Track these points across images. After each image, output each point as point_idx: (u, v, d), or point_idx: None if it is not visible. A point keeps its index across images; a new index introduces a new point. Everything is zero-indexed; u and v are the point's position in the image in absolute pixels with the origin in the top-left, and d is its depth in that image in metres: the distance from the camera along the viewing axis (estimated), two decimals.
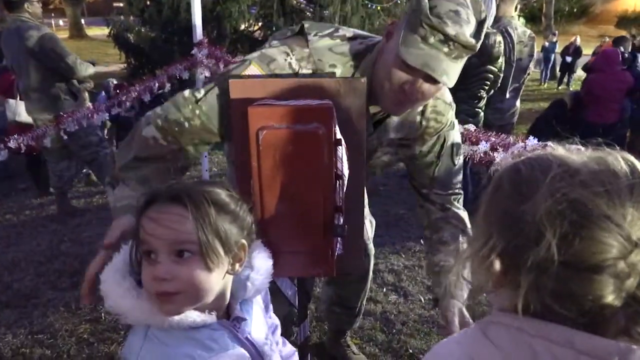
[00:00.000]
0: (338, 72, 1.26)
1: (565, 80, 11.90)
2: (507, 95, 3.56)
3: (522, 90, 3.80)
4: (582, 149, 0.63)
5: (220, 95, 1.24)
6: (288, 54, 1.25)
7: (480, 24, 1.11)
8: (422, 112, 1.35)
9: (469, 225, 1.39)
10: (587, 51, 12.53)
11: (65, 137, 2.90)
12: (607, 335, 0.55)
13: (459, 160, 1.44)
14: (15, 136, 2.57)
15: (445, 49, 1.06)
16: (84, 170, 4.71)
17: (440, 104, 1.36)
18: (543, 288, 0.55)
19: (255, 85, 1.23)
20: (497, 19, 3.43)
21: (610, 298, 0.53)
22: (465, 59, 1.13)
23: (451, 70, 1.10)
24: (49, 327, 2.52)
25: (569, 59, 11.54)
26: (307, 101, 1.17)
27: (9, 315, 2.63)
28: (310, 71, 1.25)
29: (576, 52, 11.64)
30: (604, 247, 0.52)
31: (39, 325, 2.54)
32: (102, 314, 2.61)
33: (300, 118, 1.12)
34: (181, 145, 1.25)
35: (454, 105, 1.42)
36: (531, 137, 1.69)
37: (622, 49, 5.11)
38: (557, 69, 12.34)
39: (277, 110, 1.13)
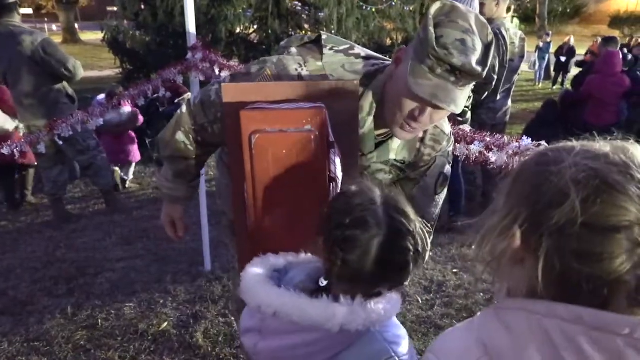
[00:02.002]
0: None
1: (559, 80, 11.94)
2: (499, 96, 3.59)
3: (514, 91, 3.83)
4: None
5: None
6: (301, 65, 1.27)
7: (487, 47, 1.12)
8: (422, 139, 1.37)
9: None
10: (581, 51, 12.58)
11: (61, 142, 2.88)
12: (618, 310, 0.57)
13: (441, 194, 1.45)
14: (9, 142, 2.54)
15: (452, 79, 1.09)
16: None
17: (440, 133, 1.39)
18: (564, 248, 0.58)
19: (247, 89, 1.23)
20: (490, 21, 3.44)
21: (622, 258, 0.56)
22: (472, 85, 1.16)
23: (459, 98, 1.12)
24: (45, 334, 2.51)
25: (563, 59, 11.59)
26: (299, 104, 1.17)
27: (4, 322, 2.61)
28: None
29: (570, 52, 11.68)
30: (622, 211, 0.56)
31: (35, 332, 2.53)
32: (99, 320, 2.60)
33: (293, 121, 1.12)
34: (208, 145, 1.46)
35: (452, 138, 1.45)
36: (525, 137, 1.69)
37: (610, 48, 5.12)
38: (552, 69, 12.38)
39: (269, 114, 1.13)
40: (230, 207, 1.48)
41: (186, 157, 1.45)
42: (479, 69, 1.08)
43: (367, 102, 1.26)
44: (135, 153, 4.85)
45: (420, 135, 1.35)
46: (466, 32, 1.09)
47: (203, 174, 2.98)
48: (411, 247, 0.91)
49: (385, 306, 0.92)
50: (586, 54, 10.74)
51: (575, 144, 0.64)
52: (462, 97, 1.13)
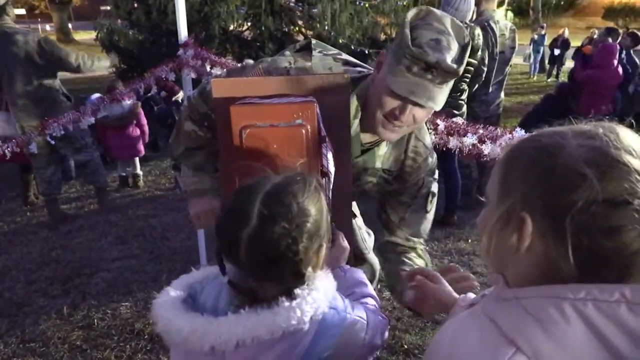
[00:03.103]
0: None
1: (554, 72, 11.95)
2: (491, 88, 3.59)
3: (509, 84, 3.84)
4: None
5: None
6: (290, 63, 1.31)
7: (464, 47, 1.16)
8: (405, 150, 1.40)
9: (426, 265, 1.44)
10: (576, 43, 12.57)
11: (53, 141, 2.87)
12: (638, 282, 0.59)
13: (431, 210, 1.46)
14: (0, 143, 2.53)
15: (429, 76, 1.11)
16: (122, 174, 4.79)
17: (421, 146, 1.41)
18: (591, 227, 0.58)
19: (238, 85, 1.21)
20: (479, 13, 3.45)
21: (637, 230, 0.58)
22: (451, 82, 1.17)
23: (437, 95, 1.15)
24: (41, 335, 2.50)
25: (557, 51, 11.59)
26: (290, 99, 1.16)
27: (0, 324, 2.60)
28: None
29: (564, 44, 11.69)
30: (631, 184, 0.58)
31: (31, 333, 2.51)
32: (95, 320, 2.59)
33: (284, 116, 1.11)
34: (215, 131, 1.41)
35: (434, 153, 1.46)
36: (518, 129, 1.69)
37: (610, 40, 5.14)
38: (546, 61, 12.39)
39: (259, 109, 1.12)
40: None
41: (199, 146, 1.47)
42: (454, 66, 1.11)
43: (353, 105, 1.28)
44: (137, 147, 4.85)
45: (404, 147, 1.38)
46: (441, 32, 1.13)
47: None
48: (285, 241, 0.81)
49: (313, 294, 0.85)
50: (582, 46, 10.69)
51: (562, 128, 0.65)
52: (441, 95, 1.16)
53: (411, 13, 1.16)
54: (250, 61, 1.37)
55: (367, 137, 1.35)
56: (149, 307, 2.69)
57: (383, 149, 1.38)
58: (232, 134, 1.11)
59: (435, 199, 1.47)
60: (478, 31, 3.20)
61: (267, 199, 0.83)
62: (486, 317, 0.65)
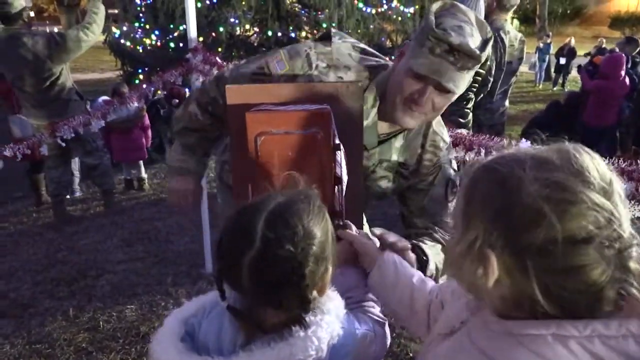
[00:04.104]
0: (350, 75, 1.30)
1: (560, 81, 11.94)
2: (496, 97, 3.61)
3: (514, 92, 3.85)
4: (536, 146, 0.67)
5: (250, 77, 1.35)
6: (310, 48, 1.32)
7: (486, 41, 1.17)
8: (422, 145, 1.39)
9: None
10: (582, 52, 12.60)
11: (64, 144, 2.89)
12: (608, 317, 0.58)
13: (453, 200, 1.43)
14: (12, 145, 2.54)
15: (451, 58, 1.12)
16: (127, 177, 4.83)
17: (440, 140, 1.40)
18: (551, 266, 0.58)
19: (252, 91, 1.22)
20: (490, 23, 3.45)
21: (602, 266, 0.57)
22: (472, 71, 1.17)
23: (458, 79, 1.15)
24: (47, 336, 2.50)
25: (563, 60, 11.59)
26: (305, 106, 1.16)
27: (6, 325, 2.61)
28: (324, 64, 1.30)
29: (570, 53, 11.69)
30: (591, 220, 0.57)
31: (37, 334, 2.52)
32: (101, 323, 2.59)
33: (299, 123, 1.12)
34: (216, 119, 1.44)
35: (451, 147, 1.47)
36: (523, 140, 1.68)
37: (626, 50, 5.13)
38: (552, 70, 12.39)
39: (275, 116, 1.12)
40: None
41: (196, 129, 1.49)
42: (476, 50, 1.12)
43: (371, 94, 1.28)
44: (143, 150, 4.88)
45: (421, 141, 1.38)
46: (464, 22, 1.15)
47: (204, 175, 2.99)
48: (290, 265, 0.76)
49: (326, 318, 0.82)
50: (591, 55, 10.66)
51: (519, 153, 0.64)
52: (462, 80, 1.16)
53: (436, 5, 1.18)
54: (270, 52, 1.39)
55: (384, 127, 1.33)
56: (154, 310, 2.72)
57: (399, 141, 1.37)
58: (247, 140, 1.12)
59: (456, 189, 1.43)
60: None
61: (271, 220, 0.78)
62: (479, 352, 0.64)
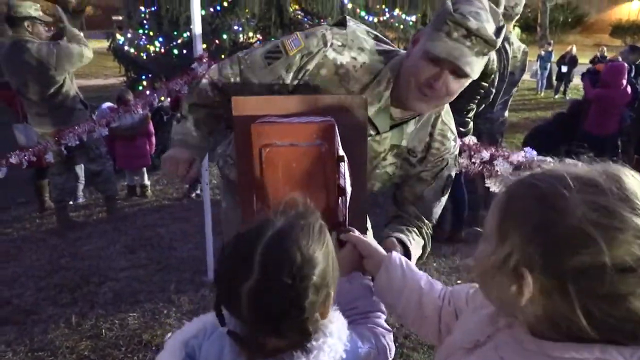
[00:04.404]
0: (364, 56, 1.31)
1: (561, 89, 11.97)
2: (496, 107, 3.63)
3: (516, 100, 3.89)
4: (578, 163, 0.65)
5: (264, 56, 1.35)
6: (326, 29, 1.34)
7: (499, 29, 1.19)
8: (431, 134, 1.40)
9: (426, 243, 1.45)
10: (583, 60, 12.63)
11: (66, 152, 2.91)
12: None
13: (446, 195, 1.48)
14: (17, 152, 2.56)
15: (468, 43, 1.14)
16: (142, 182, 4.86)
17: (447, 130, 1.42)
18: (595, 291, 0.56)
19: (258, 103, 1.24)
20: None
21: None
22: (486, 57, 1.19)
23: (474, 64, 1.17)
24: (49, 344, 2.51)
25: (565, 68, 11.62)
26: (309, 118, 1.18)
27: (8, 331, 2.61)
28: (340, 43, 1.31)
29: (572, 61, 11.72)
30: (637, 248, 0.55)
31: (40, 342, 2.52)
32: (103, 330, 2.59)
33: (303, 135, 1.13)
34: (225, 95, 1.41)
35: (458, 140, 1.48)
36: (529, 149, 1.70)
37: (630, 59, 5.12)
38: (554, 78, 12.42)
39: (280, 128, 1.14)
40: (232, 230, 1.50)
41: (204, 104, 1.46)
42: (493, 36, 1.14)
43: (385, 78, 1.30)
44: (147, 157, 4.90)
45: (429, 129, 1.39)
46: (481, 9, 1.17)
47: (207, 182, 3.00)
48: (290, 296, 0.75)
49: (329, 341, 0.81)
50: (593, 63, 10.68)
51: (560, 171, 0.62)
52: (478, 66, 1.18)
53: None
54: (285, 36, 1.41)
55: (396, 113, 1.35)
56: (157, 318, 2.73)
57: (411, 127, 1.38)
58: (253, 152, 1.13)
59: (451, 184, 1.48)
60: (493, 56, 3.21)
61: (269, 248, 0.76)
62: None
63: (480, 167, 1.71)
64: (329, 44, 1.30)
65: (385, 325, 1.06)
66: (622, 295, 0.56)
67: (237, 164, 1.26)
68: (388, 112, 1.33)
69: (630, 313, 0.56)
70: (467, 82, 1.23)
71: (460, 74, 1.18)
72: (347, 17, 1.39)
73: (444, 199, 1.49)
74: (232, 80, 1.38)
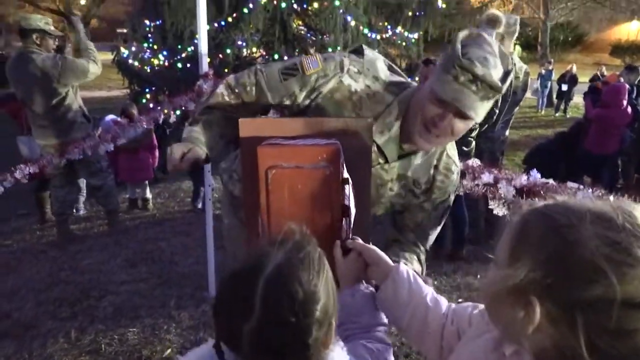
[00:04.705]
0: (377, 86, 1.35)
1: (562, 107, 12.05)
2: (497, 127, 3.66)
3: (517, 117, 3.93)
4: (592, 197, 0.67)
5: (281, 71, 1.38)
6: (345, 55, 1.38)
7: (507, 73, 1.21)
8: (436, 166, 1.43)
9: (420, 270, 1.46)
10: (583, 79, 12.73)
11: (66, 162, 2.93)
12: None
13: (442, 223, 1.52)
14: (21, 166, 2.58)
15: (474, 88, 1.17)
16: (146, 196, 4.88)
17: (452, 163, 1.45)
18: (603, 325, 0.57)
19: (264, 124, 1.25)
20: None
21: None
22: (491, 101, 1.22)
23: (478, 107, 1.20)
24: (48, 358, 2.49)
25: (565, 86, 11.71)
26: (315, 141, 1.19)
27: (7, 345, 2.60)
28: (356, 69, 1.35)
29: (572, 79, 11.82)
30: None
31: (38, 356, 2.51)
32: (103, 345, 2.58)
33: (309, 158, 1.14)
34: (241, 100, 1.43)
35: (460, 172, 1.52)
36: (534, 171, 1.71)
37: (630, 79, 5.14)
38: (554, 96, 12.51)
39: (285, 150, 1.15)
40: (235, 248, 1.50)
41: (219, 106, 1.44)
42: (499, 83, 1.17)
43: (396, 109, 1.33)
44: (149, 170, 4.92)
45: (435, 162, 1.42)
46: (489, 53, 1.19)
47: (210, 198, 3.01)
48: (292, 333, 0.74)
49: None
50: (591, 80, 10.75)
51: (575, 203, 0.64)
52: (482, 109, 1.21)
53: (463, 33, 1.23)
54: (303, 55, 1.45)
55: (404, 144, 1.38)
56: (157, 333, 2.72)
57: (418, 159, 1.41)
58: (259, 173, 1.14)
59: (447, 214, 1.52)
60: None
61: (269, 286, 0.74)
62: None
63: (484, 189, 1.73)
64: (345, 70, 1.34)
65: (386, 339, 1.05)
66: (629, 331, 0.57)
67: (243, 184, 1.28)
68: (397, 142, 1.36)
69: (636, 349, 0.57)
70: (471, 123, 1.26)
71: (464, 116, 1.21)
72: (364, 46, 1.43)
73: (439, 228, 1.52)
74: (247, 88, 1.41)
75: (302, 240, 0.83)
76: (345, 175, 1.18)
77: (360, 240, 1.16)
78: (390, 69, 1.42)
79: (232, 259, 1.71)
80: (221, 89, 1.45)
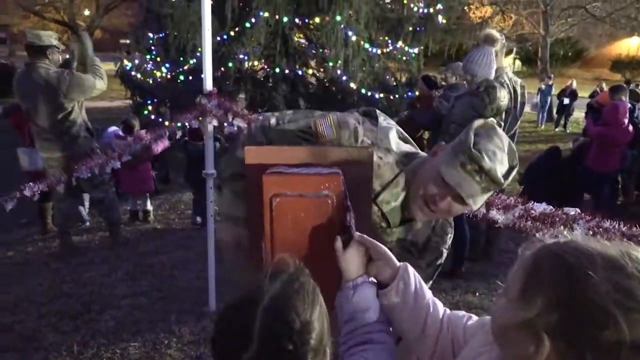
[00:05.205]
0: (389, 158, 1.39)
1: (562, 122, 12.13)
2: None
3: (516, 136, 3.95)
4: (600, 239, 0.71)
5: (296, 134, 1.40)
6: (359, 122, 1.41)
7: (512, 168, 1.28)
8: (433, 227, 1.50)
9: None
10: (583, 94, 12.83)
11: (75, 182, 2.97)
12: None
13: (433, 279, 1.56)
14: (30, 184, 2.62)
15: (478, 178, 1.23)
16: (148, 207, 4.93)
17: (447, 225, 1.52)
18: None
19: (269, 152, 1.30)
20: (498, 71, 3.58)
21: None
22: (490, 193, 1.28)
23: (478, 197, 1.26)
24: None
25: (566, 100, 11.78)
26: (318, 169, 1.24)
27: (10, 359, 2.62)
28: (369, 142, 1.38)
29: (572, 94, 11.90)
30: None
31: None
32: None
33: (312, 186, 1.19)
34: None
35: (453, 231, 1.57)
36: (537, 205, 1.75)
37: (622, 98, 5.18)
38: (554, 111, 12.59)
39: (289, 179, 1.19)
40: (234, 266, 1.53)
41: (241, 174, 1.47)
42: (502, 179, 1.23)
43: (402, 179, 1.38)
44: (149, 183, 4.96)
45: (432, 224, 1.48)
46: (499, 148, 1.25)
47: (212, 214, 3.05)
48: None
49: None
50: (590, 96, 10.82)
51: (585, 245, 0.67)
52: (481, 199, 1.27)
53: (478, 122, 1.29)
54: (318, 112, 1.47)
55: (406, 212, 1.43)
56: (157, 348, 2.75)
57: (419, 224, 1.46)
58: (263, 200, 1.19)
59: (438, 270, 1.57)
60: (504, 93, 3.32)
61: (266, 317, 0.77)
62: None
63: (482, 216, 1.77)
64: (359, 141, 1.38)
65: (388, 338, 1.06)
66: None
67: (248, 209, 1.32)
68: (401, 210, 1.41)
69: None
70: (468, 208, 1.31)
71: (464, 202, 1.26)
72: (378, 112, 1.46)
73: (431, 281, 1.55)
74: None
75: (297, 271, 0.87)
76: (348, 202, 1.22)
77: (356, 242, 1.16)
78: (401, 137, 1.46)
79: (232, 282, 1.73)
80: (241, 153, 1.42)
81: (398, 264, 1.11)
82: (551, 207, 1.71)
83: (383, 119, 1.45)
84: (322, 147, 1.32)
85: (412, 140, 1.50)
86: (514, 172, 1.27)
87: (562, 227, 1.61)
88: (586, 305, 0.62)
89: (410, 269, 1.11)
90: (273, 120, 1.46)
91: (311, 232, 1.20)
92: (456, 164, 1.22)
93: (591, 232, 1.58)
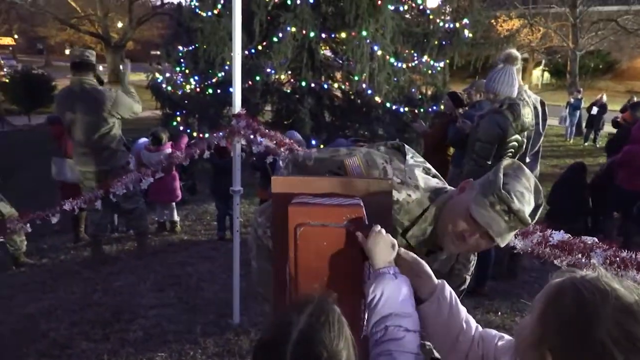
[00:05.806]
0: (417, 194, 1.44)
1: (591, 136, 11.89)
2: (528, 159, 3.70)
3: (545, 146, 3.96)
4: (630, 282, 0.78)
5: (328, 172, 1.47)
6: (387, 161, 1.47)
7: (537, 207, 1.32)
8: (457, 258, 1.55)
9: None
10: (614, 107, 12.54)
11: (115, 199, 3.12)
12: None
13: None
14: (70, 200, 2.77)
15: (506, 218, 1.27)
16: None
17: (471, 254, 1.57)
18: None
19: (295, 182, 1.37)
20: (520, 91, 3.59)
21: None
22: (516, 230, 1.33)
23: (505, 235, 1.30)
24: None
25: (594, 110, 11.53)
26: (340, 200, 1.30)
27: None
28: (399, 180, 1.44)
29: (602, 108, 11.66)
30: None
31: None
32: None
33: (334, 217, 1.25)
34: None
35: (475, 258, 1.62)
36: (555, 233, 1.77)
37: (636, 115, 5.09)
38: (584, 125, 12.35)
39: (313, 209, 1.26)
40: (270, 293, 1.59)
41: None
42: (529, 219, 1.27)
43: (431, 214, 1.43)
44: (176, 192, 5.10)
45: (456, 254, 1.52)
46: (526, 189, 1.30)
47: (237, 230, 3.14)
48: None
49: None
50: (621, 110, 10.62)
51: (608, 287, 0.73)
52: (508, 236, 1.31)
53: (505, 162, 1.34)
54: (344, 150, 1.53)
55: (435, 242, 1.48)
56: (183, 359, 2.83)
57: (443, 255, 1.52)
58: (289, 229, 1.26)
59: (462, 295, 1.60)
60: (528, 110, 3.35)
61: (296, 350, 0.83)
62: None
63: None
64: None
65: (410, 346, 1.10)
66: None
67: (273, 237, 1.39)
68: (429, 242, 1.46)
69: None
70: (495, 244, 1.34)
71: (492, 239, 1.30)
72: (406, 147, 1.51)
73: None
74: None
75: (322, 303, 0.93)
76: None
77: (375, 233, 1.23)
78: (427, 172, 1.52)
79: (264, 301, 1.80)
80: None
81: (437, 281, 1.20)
82: (569, 235, 1.73)
83: (410, 157, 1.49)
84: (344, 178, 1.38)
85: (438, 174, 1.55)
86: (539, 211, 1.31)
87: (579, 255, 1.63)
88: (587, 338, 0.70)
89: (447, 287, 1.18)
90: (303, 160, 1.53)
91: (333, 260, 1.26)
92: (486, 204, 1.27)
93: (608, 261, 1.59)
